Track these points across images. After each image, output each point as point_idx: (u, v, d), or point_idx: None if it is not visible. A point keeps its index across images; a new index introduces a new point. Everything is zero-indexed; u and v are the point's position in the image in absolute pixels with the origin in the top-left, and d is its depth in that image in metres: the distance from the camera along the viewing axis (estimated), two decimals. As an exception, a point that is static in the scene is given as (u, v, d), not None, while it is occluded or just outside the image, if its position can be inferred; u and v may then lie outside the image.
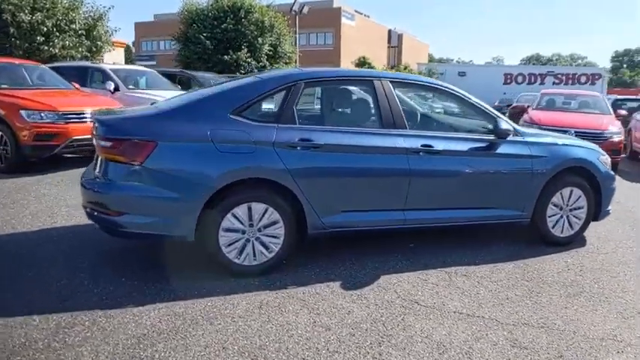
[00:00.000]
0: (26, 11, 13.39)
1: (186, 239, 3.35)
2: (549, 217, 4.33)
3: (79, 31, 14.51)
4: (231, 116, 3.43)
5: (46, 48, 13.76)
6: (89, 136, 7.22)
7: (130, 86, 10.06)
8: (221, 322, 2.88)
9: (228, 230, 3.39)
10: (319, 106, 4.12)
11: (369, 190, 3.72)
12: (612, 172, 4.57)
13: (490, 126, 4.09)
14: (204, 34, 21.75)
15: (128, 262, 3.75)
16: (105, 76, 9.82)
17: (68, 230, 4.47)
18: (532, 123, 8.80)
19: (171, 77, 12.23)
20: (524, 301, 3.32)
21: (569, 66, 71.12)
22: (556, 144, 4.33)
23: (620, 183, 5.88)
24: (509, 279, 3.69)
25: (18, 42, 13.67)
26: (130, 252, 3.93)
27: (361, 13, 50.21)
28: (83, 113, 7.13)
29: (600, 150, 4.66)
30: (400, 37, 55.86)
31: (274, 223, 3.48)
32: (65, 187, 6.03)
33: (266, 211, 3.45)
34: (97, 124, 3.44)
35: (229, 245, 3.41)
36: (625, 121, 10.87)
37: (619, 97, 16.83)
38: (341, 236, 3.90)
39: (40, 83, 7.96)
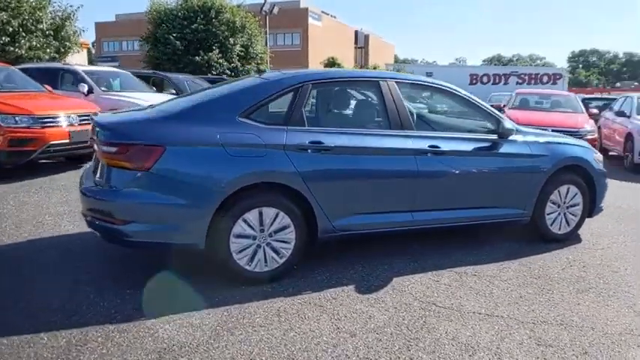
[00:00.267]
0: (-10, 11, 12.73)
1: (197, 247, 3.22)
2: (548, 214, 4.41)
3: (47, 32, 13.87)
4: (239, 119, 3.33)
5: (12, 49, 13.07)
6: (67, 141, 7.00)
7: (103, 88, 9.70)
8: (242, 333, 2.78)
9: (239, 236, 3.28)
10: (326, 108, 4.05)
11: (379, 192, 3.69)
12: (604, 170, 4.71)
13: (492, 126, 4.14)
14: (174, 35, 21.25)
15: (129, 271, 3.58)
16: (77, 77, 9.42)
17: (57, 240, 4.24)
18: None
19: (144, 79, 11.86)
20: (538, 299, 3.36)
21: (529, 66, 73.54)
22: (554, 142, 4.42)
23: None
24: (517, 277, 3.73)
25: (-19, 43, 13.00)
26: (128, 260, 3.76)
27: (328, 14, 50.33)
28: (59, 117, 6.83)
29: (593, 148, 4.80)
30: (367, 37, 56.27)
31: (285, 227, 3.40)
32: (46, 195, 5.74)
33: (277, 215, 3.36)
34: (99, 129, 3.26)
35: (240, 252, 3.30)
36: (595, 120, 11.27)
37: (586, 96, 17.44)
38: (348, 239, 3.85)
39: (10, 86, 7.54)
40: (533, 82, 35.78)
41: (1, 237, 4.24)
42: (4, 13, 12.71)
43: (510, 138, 4.13)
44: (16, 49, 13.07)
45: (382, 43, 62.02)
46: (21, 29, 13.13)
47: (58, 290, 3.22)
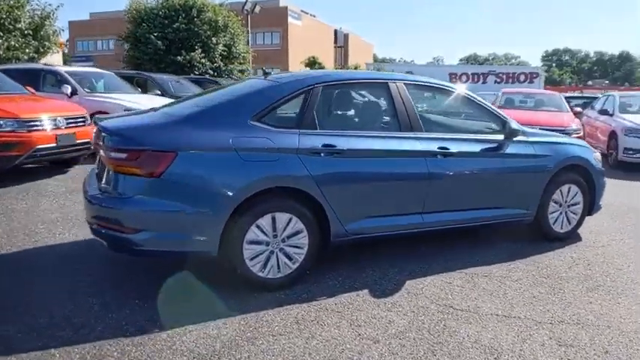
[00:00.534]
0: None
1: (210, 255, 3.14)
2: (550, 214, 4.46)
3: (26, 31, 13.41)
4: (251, 122, 3.25)
5: (-12, 49, 12.67)
6: (54, 145, 6.77)
7: (86, 89, 9.43)
8: (263, 342, 2.71)
9: (252, 242, 3.20)
10: (337, 110, 4.00)
11: (391, 194, 3.66)
12: (603, 168, 4.79)
13: (498, 127, 4.15)
14: (155, 34, 20.86)
15: (134, 280, 3.46)
16: (59, 79, 9.14)
17: (53, 250, 4.08)
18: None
19: (127, 79, 11.59)
20: (551, 299, 3.38)
21: (506, 65, 74.81)
22: (557, 142, 4.48)
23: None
24: (527, 277, 3.75)
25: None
26: (131, 268, 3.62)
27: (307, 13, 50.24)
28: (46, 120, 6.59)
29: (592, 147, 4.87)
30: (346, 36, 56.42)
31: (298, 232, 3.34)
32: (34, 201, 5.54)
33: (290, 220, 3.29)
34: (106, 134, 3.13)
35: (253, 258, 3.23)
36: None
37: (566, 94, 17.80)
38: (360, 243, 3.81)
39: (-9, 88, 7.27)
40: (510, 80, 36.44)
41: (-5, 247, 4.06)
42: (-21, 12, 12.29)
43: (516, 139, 4.16)
44: (-6, 49, 12.65)
45: (361, 43, 62.28)
46: (-2, 28, 12.70)
47: (61, 302, 3.08)
